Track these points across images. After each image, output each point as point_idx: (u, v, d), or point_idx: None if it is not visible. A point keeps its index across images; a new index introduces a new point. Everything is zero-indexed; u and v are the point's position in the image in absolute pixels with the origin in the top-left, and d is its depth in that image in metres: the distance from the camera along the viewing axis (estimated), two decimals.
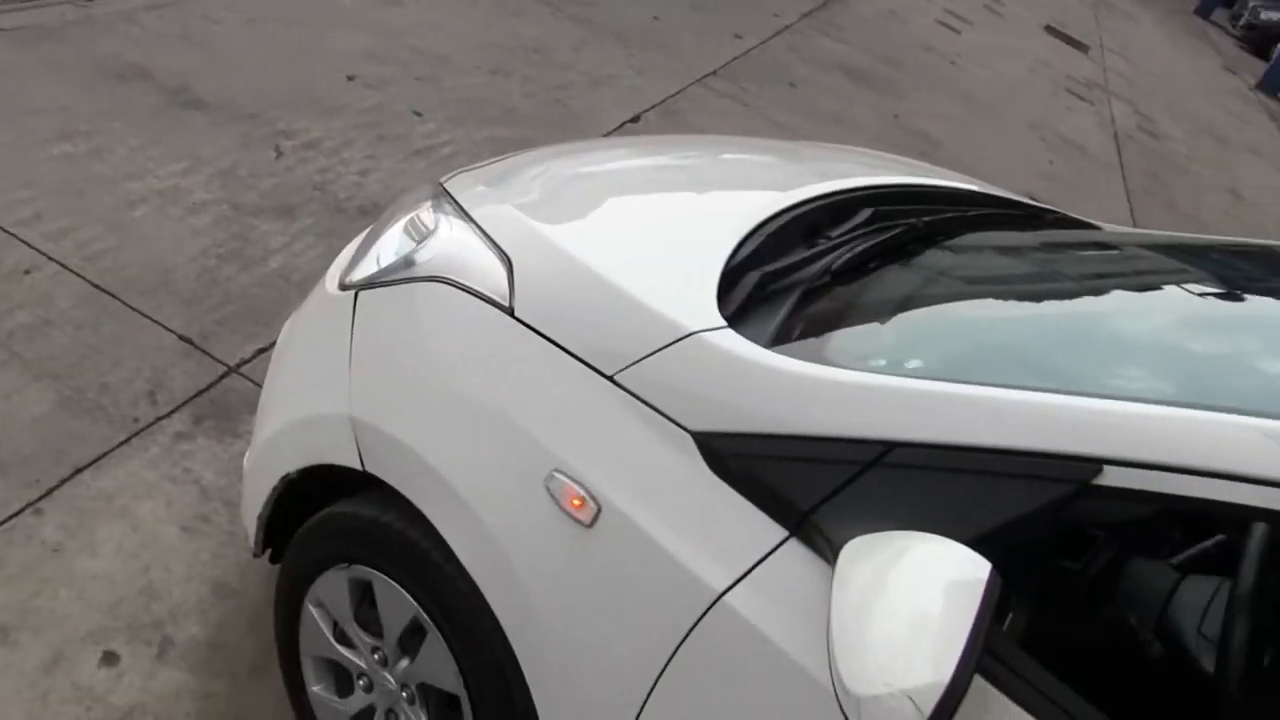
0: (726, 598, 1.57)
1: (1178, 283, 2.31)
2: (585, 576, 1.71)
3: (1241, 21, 29.02)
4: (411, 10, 6.07)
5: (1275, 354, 1.89)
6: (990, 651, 1.45)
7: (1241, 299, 2.21)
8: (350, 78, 5.14)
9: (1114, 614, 1.94)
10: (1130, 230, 2.94)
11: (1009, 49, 13.41)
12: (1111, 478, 1.42)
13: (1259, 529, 1.84)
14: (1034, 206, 2.98)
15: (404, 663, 2.06)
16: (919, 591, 1.35)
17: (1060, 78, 13.20)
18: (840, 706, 1.33)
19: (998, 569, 1.51)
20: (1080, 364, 1.81)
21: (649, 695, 1.67)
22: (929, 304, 2.08)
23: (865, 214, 2.29)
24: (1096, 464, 1.43)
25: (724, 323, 1.76)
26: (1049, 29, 16.38)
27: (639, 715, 1.68)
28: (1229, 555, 2.19)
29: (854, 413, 1.58)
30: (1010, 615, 1.72)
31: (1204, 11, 31.05)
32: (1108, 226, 2.90)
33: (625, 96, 5.98)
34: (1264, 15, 27.56)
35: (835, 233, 2.21)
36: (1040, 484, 1.45)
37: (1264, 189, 12.65)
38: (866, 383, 1.62)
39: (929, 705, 1.25)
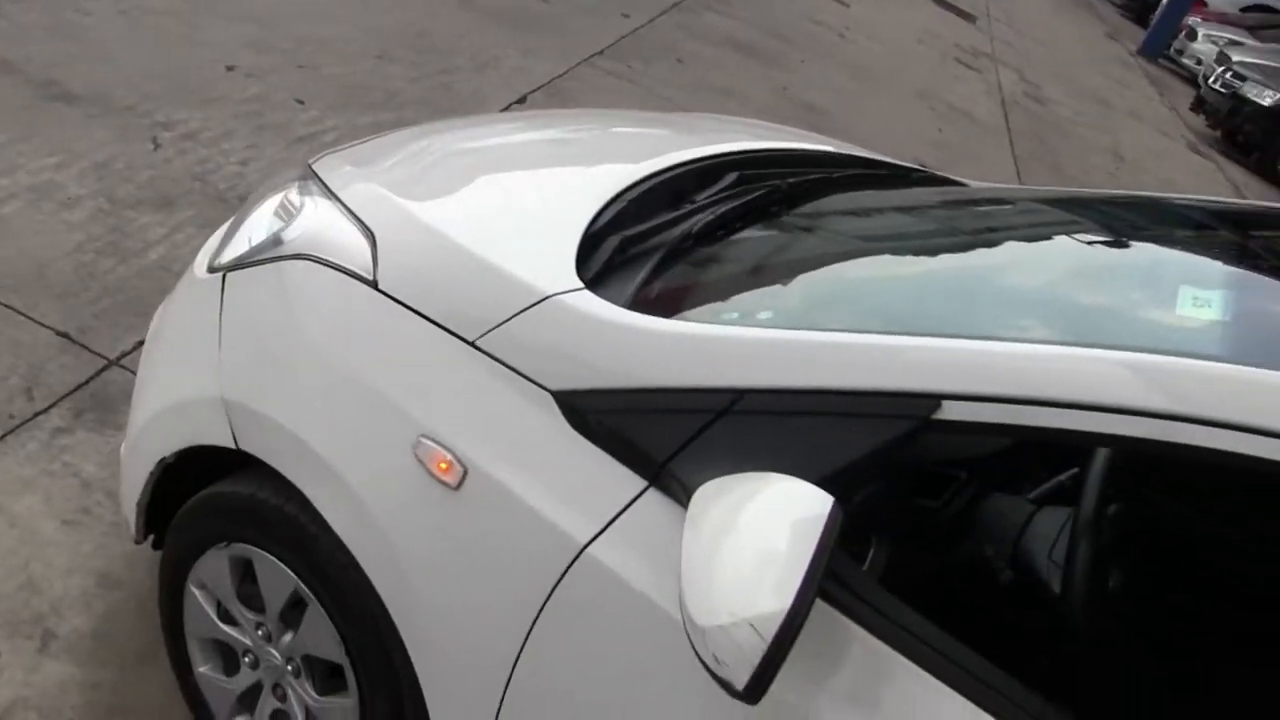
0: (590, 549, 1.62)
1: (1026, 231, 2.40)
2: (455, 539, 1.75)
3: None
4: None
5: (1113, 291, 1.98)
6: (852, 590, 1.52)
7: (1086, 244, 2.30)
8: (230, 68, 5.08)
9: (972, 548, 2.03)
10: (990, 185, 3.02)
11: (897, 21, 13.62)
12: (950, 412, 1.48)
13: (1100, 457, 1.92)
14: (901, 167, 3.05)
15: (287, 636, 2.08)
16: (764, 527, 1.40)
17: (948, 48, 13.44)
18: (691, 643, 1.38)
19: (858, 510, 1.58)
20: (926, 308, 1.88)
21: (521, 649, 1.71)
22: (784, 260, 2.14)
23: (730, 178, 2.35)
24: (935, 399, 1.49)
25: (581, 285, 1.79)
26: (937, 1, 16.63)
27: (513, 669, 1.73)
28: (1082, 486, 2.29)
29: (704, 364, 1.63)
30: (871, 554, 1.79)
31: None
32: (972, 183, 2.98)
33: (511, 78, 5.98)
34: None
35: (699, 197, 2.26)
36: (883, 421, 1.51)
37: (1144, 150, 13.01)
38: (716, 334, 1.67)
39: (770, 631, 1.31)
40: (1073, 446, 1.66)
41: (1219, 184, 12.74)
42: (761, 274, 2.06)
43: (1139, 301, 1.93)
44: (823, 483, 1.44)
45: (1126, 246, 2.26)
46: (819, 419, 1.53)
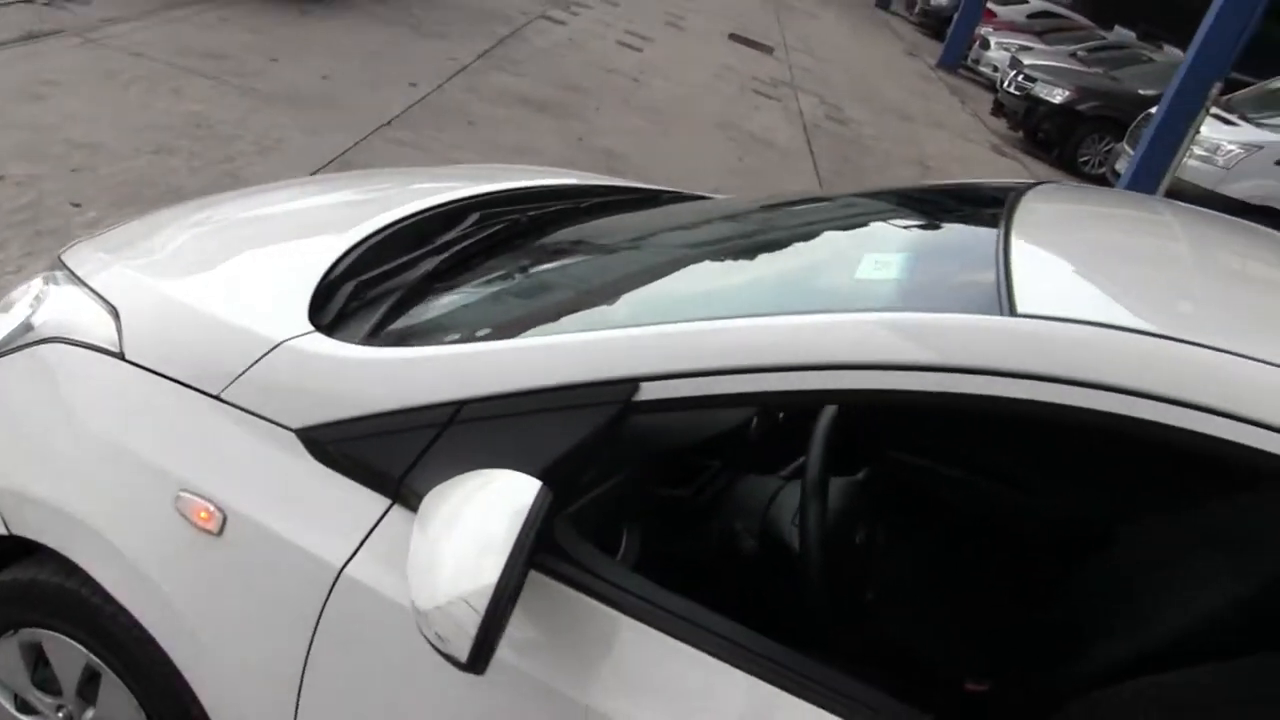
0: (347, 570, 1.72)
1: (732, 231, 2.59)
2: (225, 583, 1.84)
3: (917, 9, 30.98)
4: (57, 104, 5.95)
5: (799, 269, 2.17)
6: (602, 578, 1.66)
7: (783, 236, 2.49)
8: None
9: (723, 525, 2.17)
10: (724, 197, 3.21)
11: (693, 59, 13.98)
12: (648, 392, 1.64)
13: (823, 422, 2.10)
14: (649, 190, 3.23)
15: (89, 713, 2.13)
16: (477, 514, 1.53)
17: (746, 80, 13.84)
18: (420, 629, 1.50)
19: (607, 505, 1.75)
20: (627, 304, 2.05)
21: (303, 676, 1.80)
22: (509, 283, 2.29)
23: (473, 218, 2.50)
24: (633, 383, 1.64)
25: (311, 329, 1.91)
26: (733, 36, 17.13)
27: (299, 696, 1.82)
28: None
29: (427, 383, 1.76)
30: (624, 544, 1.94)
31: (884, 3, 32.95)
32: (717, 197, 3.17)
33: (298, 158, 6.04)
34: (934, 1, 29.56)
35: (441, 238, 2.40)
36: (589, 410, 1.66)
37: (949, 157, 13.55)
38: (435, 354, 1.81)
39: (483, 604, 1.44)
40: (769, 406, 1.82)
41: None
42: (487, 298, 2.21)
43: (822, 273, 2.13)
44: (544, 473, 1.57)
45: (816, 234, 2.45)
46: (532, 417, 1.67)
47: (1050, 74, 16.60)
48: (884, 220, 2.50)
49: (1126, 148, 13.00)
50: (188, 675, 1.90)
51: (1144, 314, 1.69)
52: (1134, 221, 2.55)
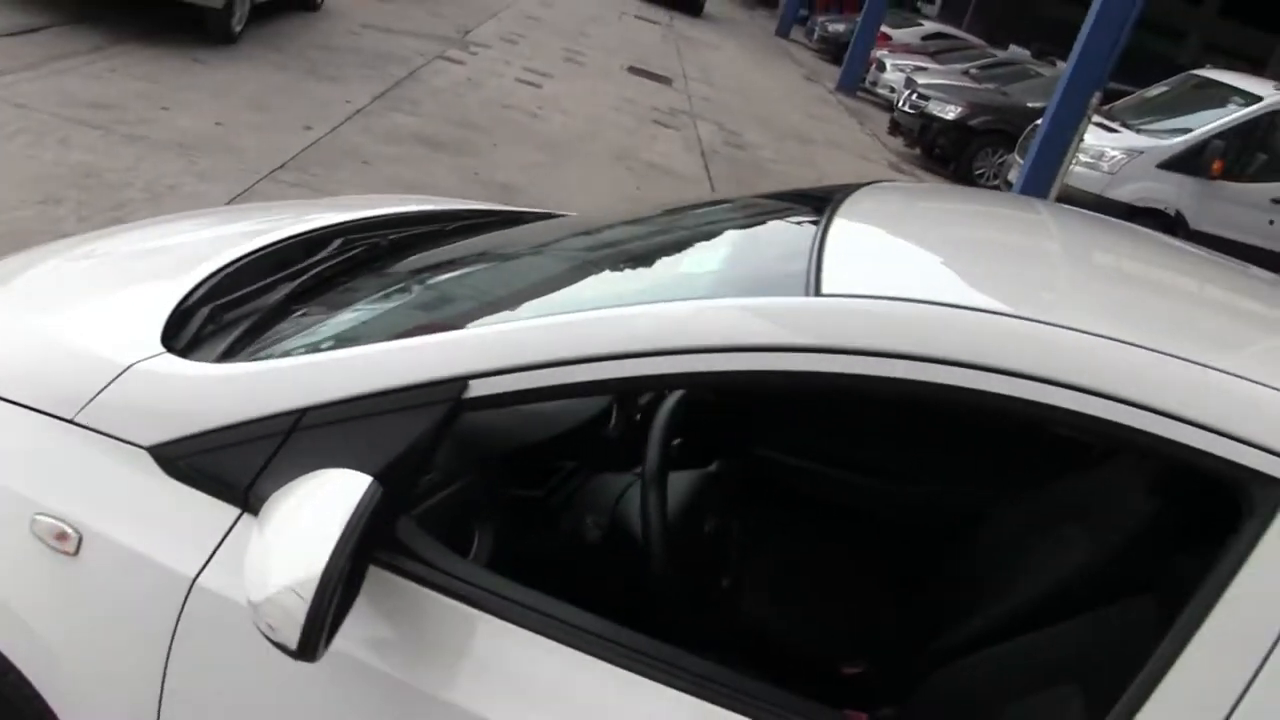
0: (199, 580, 1.79)
1: (590, 244, 2.70)
2: (83, 605, 1.88)
3: (815, 35, 31.53)
4: None
5: (623, 271, 2.29)
6: (453, 575, 1.74)
7: (613, 244, 2.60)
8: None
9: (575, 521, 2.28)
10: (580, 215, 3.33)
11: (592, 93, 14.12)
12: (478, 389, 1.74)
13: (661, 417, 2.21)
14: (517, 212, 3.34)
15: None
16: (309, 510, 1.61)
17: (645, 111, 13.99)
18: (255, 624, 1.57)
19: (456, 509, 1.85)
20: (462, 309, 2.15)
21: (162, 692, 1.85)
22: (358, 300, 2.38)
23: (336, 243, 2.59)
24: (462, 381, 1.74)
25: (161, 350, 1.98)
26: (632, 69, 17.31)
27: (159, 708, 1.86)
28: (685, 452, 2.59)
29: (272, 394, 1.84)
30: (475, 544, 2.02)
31: (783, 32, 33.42)
32: (573, 214, 3.28)
33: (189, 205, 6.04)
34: (831, 28, 30.22)
35: (301, 263, 2.49)
36: (423, 410, 1.75)
37: (849, 176, 13.74)
38: (278, 367, 1.90)
39: (309, 592, 1.51)
40: (584, 395, 1.93)
41: None
42: (335, 315, 2.29)
43: (650, 272, 2.25)
44: (381, 473, 1.65)
45: (655, 239, 2.58)
46: (368, 420, 1.76)
47: (943, 92, 17.00)
48: (722, 224, 2.62)
49: (1017, 158, 13.35)
50: (49, 699, 1.92)
51: (939, 289, 1.82)
52: (954, 212, 2.71)
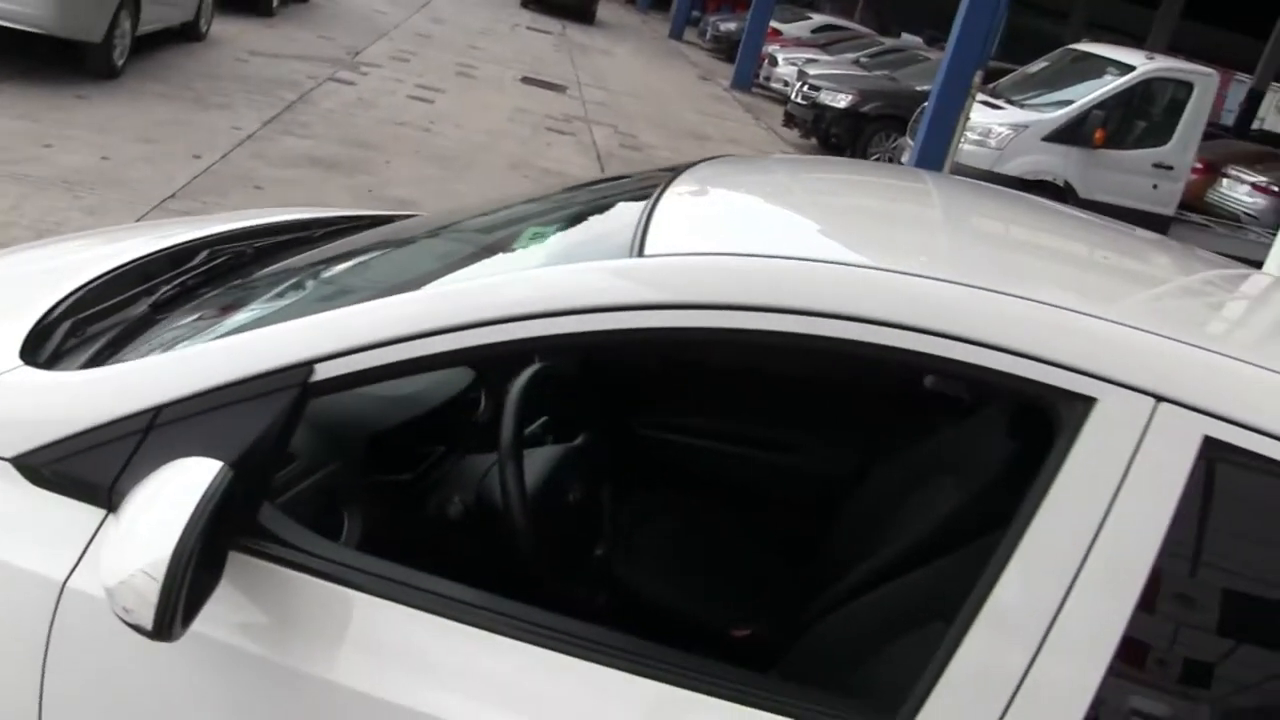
0: (70, 583, 1.80)
1: (444, 235, 2.75)
2: None
3: (708, 35, 31.81)
4: None
5: (486, 250, 2.38)
6: (322, 557, 1.79)
7: (489, 229, 2.68)
8: None
9: (443, 500, 2.36)
10: (438, 212, 3.41)
11: (486, 105, 14.15)
12: (325, 371, 1.80)
13: (514, 393, 2.30)
14: (388, 215, 3.41)
15: None
16: (163, 496, 1.65)
17: (539, 119, 14.05)
18: (112, 610, 1.61)
19: (325, 496, 1.92)
20: (308, 300, 2.22)
21: (41, 699, 1.85)
22: (216, 303, 2.42)
23: (203, 254, 2.63)
24: (307, 365, 1.80)
25: (19, 364, 2.02)
26: (525, 79, 17.36)
27: (39, 716, 1.87)
28: (554, 430, 2.68)
29: (126, 394, 1.87)
30: (345, 528, 2.09)
31: (676, 34, 33.64)
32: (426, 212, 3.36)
33: None
34: (723, 27, 30.52)
35: (166, 274, 2.54)
36: (272, 397, 1.80)
37: None
38: (132, 367, 1.95)
39: (161, 573, 1.56)
40: (426, 370, 1.99)
41: None
42: (193, 318, 2.33)
43: (489, 251, 2.35)
44: (237, 461, 1.70)
45: (501, 224, 2.65)
46: (221, 411, 1.80)
47: (834, 81, 17.25)
48: (573, 205, 2.70)
49: (908, 141, 13.61)
50: None
51: (755, 244, 1.95)
52: (788, 177, 2.83)
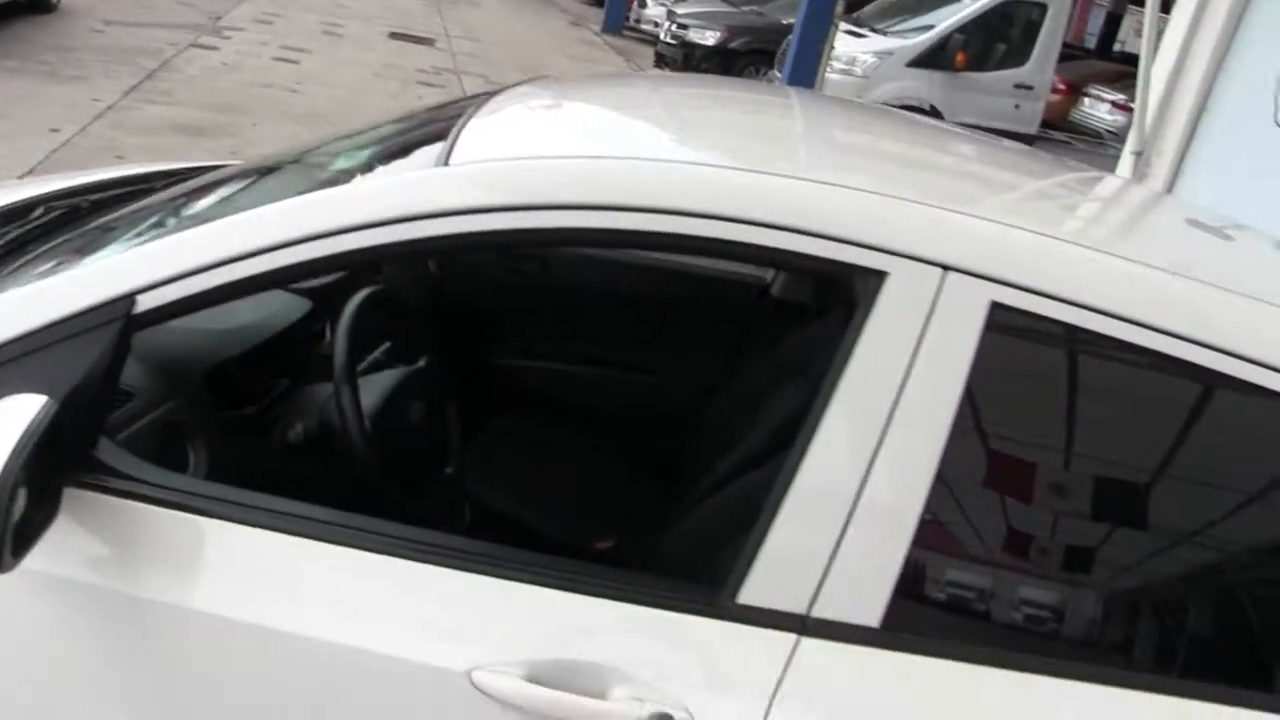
0: None
1: (269, 172, 2.76)
2: None
3: None
4: None
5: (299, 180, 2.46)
6: (171, 489, 1.83)
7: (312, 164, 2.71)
8: None
9: (287, 428, 2.42)
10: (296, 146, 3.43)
11: (353, 62, 13.97)
12: (148, 301, 1.81)
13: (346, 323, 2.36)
14: (227, 165, 3.41)
15: None
16: None
17: (409, 73, 13.92)
18: None
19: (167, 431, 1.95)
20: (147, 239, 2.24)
21: None
22: (49, 255, 2.36)
23: (37, 211, 2.68)
24: (129, 298, 1.81)
25: None
26: (393, 35, 17.13)
27: None
28: (396, 356, 2.75)
29: None
30: (192, 461, 2.15)
31: None
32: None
33: None
34: None
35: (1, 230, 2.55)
36: (96, 332, 1.80)
37: None
38: None
39: None
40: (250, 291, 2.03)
41: None
42: (29, 268, 2.29)
43: (300, 179, 2.44)
44: (68, 397, 1.70)
45: (326, 155, 2.63)
46: (48, 350, 1.80)
47: (701, 19, 17.36)
48: (404, 131, 2.70)
49: (776, 73, 13.76)
50: None
51: (555, 149, 2.09)
52: (601, 91, 2.91)
